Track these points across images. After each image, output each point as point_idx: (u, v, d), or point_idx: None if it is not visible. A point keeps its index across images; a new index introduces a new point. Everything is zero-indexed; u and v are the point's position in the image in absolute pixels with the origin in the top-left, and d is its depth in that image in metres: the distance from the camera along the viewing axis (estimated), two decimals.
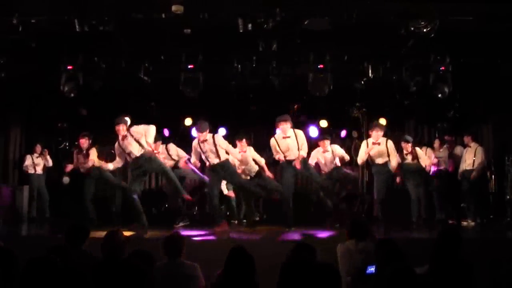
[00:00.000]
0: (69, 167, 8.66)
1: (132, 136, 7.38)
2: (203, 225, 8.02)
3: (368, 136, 8.31)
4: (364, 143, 8.15)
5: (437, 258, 3.71)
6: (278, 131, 7.85)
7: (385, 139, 8.02)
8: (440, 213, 9.14)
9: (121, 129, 7.39)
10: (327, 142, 8.65)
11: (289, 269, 2.70)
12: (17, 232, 7.88)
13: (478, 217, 8.87)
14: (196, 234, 7.05)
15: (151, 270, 3.61)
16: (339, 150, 8.84)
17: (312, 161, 8.47)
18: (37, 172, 9.67)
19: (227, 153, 7.71)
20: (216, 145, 7.54)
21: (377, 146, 7.94)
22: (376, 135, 7.97)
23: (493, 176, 9.75)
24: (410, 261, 3.28)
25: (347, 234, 4.72)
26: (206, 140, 7.56)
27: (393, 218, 8.65)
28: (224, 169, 7.60)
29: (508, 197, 9.25)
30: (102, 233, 4.53)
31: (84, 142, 8.47)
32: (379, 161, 7.95)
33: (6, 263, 3.18)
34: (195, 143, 7.73)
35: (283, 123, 7.71)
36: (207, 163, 7.70)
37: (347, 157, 8.95)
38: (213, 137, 7.62)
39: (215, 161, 7.57)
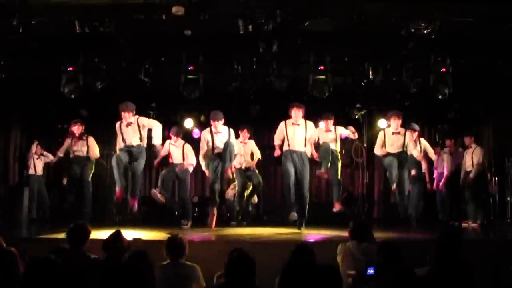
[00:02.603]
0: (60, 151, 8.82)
1: (138, 125, 7.59)
2: (203, 226, 8.02)
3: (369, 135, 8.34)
4: (381, 133, 8.18)
5: (438, 259, 3.71)
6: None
7: (403, 129, 8.17)
8: (441, 214, 9.17)
9: (127, 116, 7.53)
10: (330, 121, 8.43)
11: (290, 270, 2.70)
12: (17, 233, 7.87)
13: (478, 219, 8.88)
14: (196, 234, 7.05)
15: (151, 271, 3.62)
16: (344, 130, 8.47)
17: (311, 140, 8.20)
18: (37, 173, 9.66)
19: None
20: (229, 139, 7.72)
21: (396, 136, 8.04)
22: (395, 123, 8.08)
23: (493, 177, 9.75)
24: (411, 262, 3.28)
25: (349, 235, 4.72)
26: (220, 132, 7.74)
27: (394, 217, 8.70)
28: (221, 159, 7.71)
29: (508, 198, 9.25)
30: (101, 233, 4.55)
31: (78, 129, 8.58)
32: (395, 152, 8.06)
33: (7, 264, 3.18)
34: (206, 133, 7.83)
35: (295, 109, 7.66)
36: (210, 152, 7.79)
37: (355, 135, 8.79)
38: (229, 130, 7.81)
39: (220, 151, 7.70)
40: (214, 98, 9.33)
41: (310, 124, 7.81)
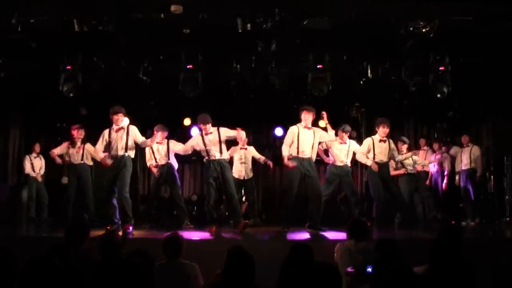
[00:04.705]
0: (56, 155, 8.68)
1: (127, 132, 7.32)
2: (202, 225, 8.02)
3: (368, 135, 8.31)
4: (368, 141, 8.14)
5: (437, 258, 3.71)
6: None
7: (387, 138, 8.18)
8: (439, 213, 9.19)
9: (120, 119, 7.32)
10: (346, 135, 8.43)
11: (289, 269, 2.70)
12: (16, 232, 7.87)
13: (477, 217, 8.90)
14: (195, 234, 7.05)
15: (152, 270, 3.61)
16: (357, 146, 8.56)
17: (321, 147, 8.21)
18: (35, 172, 9.65)
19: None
20: (220, 139, 7.40)
21: (383, 144, 8.06)
22: (383, 131, 8.06)
23: (492, 176, 9.77)
24: (409, 261, 3.28)
25: (347, 234, 4.73)
26: (211, 133, 7.40)
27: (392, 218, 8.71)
28: (221, 167, 7.37)
29: (507, 197, 9.27)
30: (101, 232, 4.56)
31: (81, 134, 8.52)
32: (383, 159, 8.06)
33: (5, 263, 3.17)
34: (197, 136, 7.56)
35: (305, 112, 7.42)
36: (205, 158, 7.47)
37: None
38: (218, 129, 7.44)
39: (216, 155, 7.38)
40: (213, 96, 9.33)
41: (318, 129, 7.60)
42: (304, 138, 7.37)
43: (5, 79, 8.09)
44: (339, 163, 8.27)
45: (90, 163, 8.74)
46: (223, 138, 7.43)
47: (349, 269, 4.22)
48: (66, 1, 6.40)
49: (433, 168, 9.47)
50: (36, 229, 8.78)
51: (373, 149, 8.06)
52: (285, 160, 7.34)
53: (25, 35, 6.69)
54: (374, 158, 8.04)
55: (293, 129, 7.45)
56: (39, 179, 9.61)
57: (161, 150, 8.27)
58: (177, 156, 8.53)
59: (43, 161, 9.73)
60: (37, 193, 9.61)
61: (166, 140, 8.31)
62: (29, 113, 10.34)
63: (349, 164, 8.41)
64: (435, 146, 9.78)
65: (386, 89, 9.13)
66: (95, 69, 8.08)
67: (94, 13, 6.39)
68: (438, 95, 7.96)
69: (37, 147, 9.73)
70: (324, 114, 7.66)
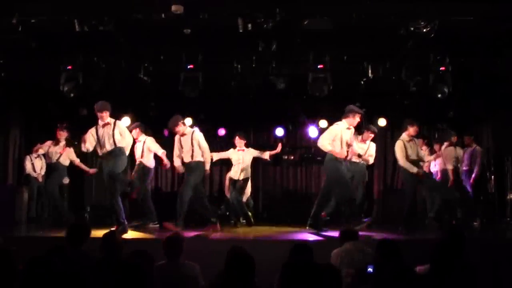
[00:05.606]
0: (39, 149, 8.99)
1: (114, 127, 7.28)
2: (201, 226, 8.02)
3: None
4: (400, 144, 7.84)
5: (440, 259, 3.70)
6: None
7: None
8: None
9: (104, 115, 7.26)
10: (369, 133, 8.60)
11: (290, 269, 2.69)
12: (16, 232, 7.87)
13: (478, 218, 8.88)
14: (196, 234, 7.05)
15: (151, 270, 3.61)
16: (373, 150, 8.79)
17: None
18: (36, 173, 9.65)
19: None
20: (193, 142, 7.42)
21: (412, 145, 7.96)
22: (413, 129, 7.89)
23: (493, 176, 9.76)
24: (410, 261, 3.28)
25: (342, 240, 4.70)
26: (185, 135, 7.45)
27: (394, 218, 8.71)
28: (192, 170, 7.40)
29: (508, 197, 9.26)
30: (101, 233, 4.55)
31: (62, 135, 8.65)
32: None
33: (5, 263, 3.17)
34: (177, 138, 7.57)
35: (357, 115, 7.33)
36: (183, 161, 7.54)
37: (370, 161, 8.91)
38: (192, 133, 7.50)
39: (187, 159, 7.44)
40: (214, 96, 9.32)
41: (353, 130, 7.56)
42: (346, 138, 7.32)
43: (5, 79, 8.09)
44: (354, 159, 8.43)
45: (66, 163, 8.87)
46: (196, 141, 7.43)
47: (349, 270, 4.23)
48: (66, 1, 6.40)
49: (433, 168, 9.45)
50: (36, 229, 8.78)
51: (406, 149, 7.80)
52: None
53: (25, 35, 6.68)
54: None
55: (335, 129, 7.33)
56: (40, 179, 9.63)
57: (138, 149, 8.34)
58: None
59: (43, 161, 9.73)
60: (38, 193, 9.63)
61: (144, 139, 8.42)
62: (29, 113, 10.33)
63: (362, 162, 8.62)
64: (436, 147, 9.74)
65: (387, 89, 9.13)
66: (96, 69, 8.07)
67: (95, 13, 6.38)
68: (439, 95, 7.95)
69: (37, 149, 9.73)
70: None
